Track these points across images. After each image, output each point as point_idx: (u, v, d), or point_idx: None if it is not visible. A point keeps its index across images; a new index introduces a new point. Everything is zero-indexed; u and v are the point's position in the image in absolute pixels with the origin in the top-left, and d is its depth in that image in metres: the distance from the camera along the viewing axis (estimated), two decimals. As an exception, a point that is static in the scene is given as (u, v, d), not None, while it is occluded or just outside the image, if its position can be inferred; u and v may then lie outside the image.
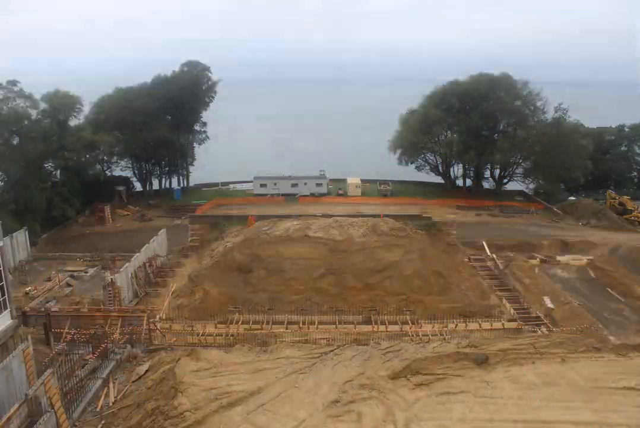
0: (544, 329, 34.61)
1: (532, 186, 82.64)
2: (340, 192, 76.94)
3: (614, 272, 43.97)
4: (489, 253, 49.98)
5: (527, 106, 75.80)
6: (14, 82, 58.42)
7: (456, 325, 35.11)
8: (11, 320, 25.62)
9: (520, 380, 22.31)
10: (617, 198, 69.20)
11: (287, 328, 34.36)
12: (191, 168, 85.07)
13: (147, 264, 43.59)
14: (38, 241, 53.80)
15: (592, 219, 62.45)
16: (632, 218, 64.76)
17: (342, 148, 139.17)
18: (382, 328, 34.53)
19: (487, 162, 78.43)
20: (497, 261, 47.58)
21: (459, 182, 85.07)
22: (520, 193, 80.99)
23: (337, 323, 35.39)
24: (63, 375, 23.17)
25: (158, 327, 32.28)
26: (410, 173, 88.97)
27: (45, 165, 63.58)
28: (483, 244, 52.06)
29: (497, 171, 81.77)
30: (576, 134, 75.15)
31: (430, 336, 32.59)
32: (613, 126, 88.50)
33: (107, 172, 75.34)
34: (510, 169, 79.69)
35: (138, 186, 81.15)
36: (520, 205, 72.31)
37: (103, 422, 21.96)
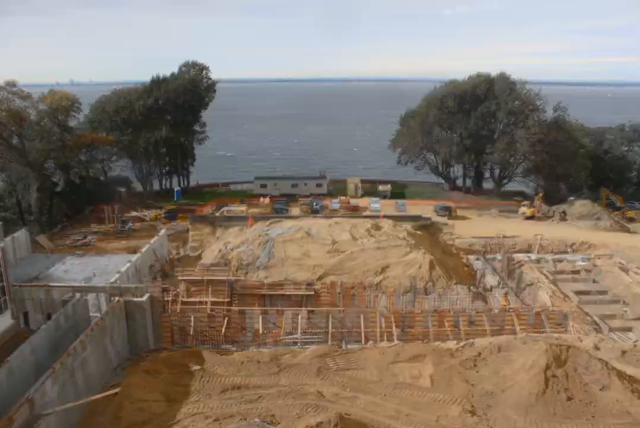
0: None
1: (532, 185, 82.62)
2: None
3: (612, 272, 43.98)
4: (488, 253, 50.03)
5: (526, 106, 75.75)
6: (12, 83, 58.27)
7: (456, 324, 35.11)
8: (12, 320, 25.70)
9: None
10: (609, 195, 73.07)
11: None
12: (191, 168, 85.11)
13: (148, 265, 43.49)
14: (38, 240, 53.74)
15: (590, 220, 62.54)
16: (620, 213, 68.37)
17: (342, 148, 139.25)
18: (382, 328, 34.45)
19: (487, 162, 78.45)
20: (497, 260, 47.60)
21: (459, 182, 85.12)
22: (520, 193, 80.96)
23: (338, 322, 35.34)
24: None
25: None
26: (410, 173, 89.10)
27: (46, 165, 63.59)
28: (483, 244, 52.13)
29: (497, 172, 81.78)
30: (576, 133, 75.03)
31: (430, 336, 32.61)
32: (613, 126, 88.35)
33: (107, 172, 75.33)
34: (510, 169, 79.68)
35: (138, 187, 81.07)
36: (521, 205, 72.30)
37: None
